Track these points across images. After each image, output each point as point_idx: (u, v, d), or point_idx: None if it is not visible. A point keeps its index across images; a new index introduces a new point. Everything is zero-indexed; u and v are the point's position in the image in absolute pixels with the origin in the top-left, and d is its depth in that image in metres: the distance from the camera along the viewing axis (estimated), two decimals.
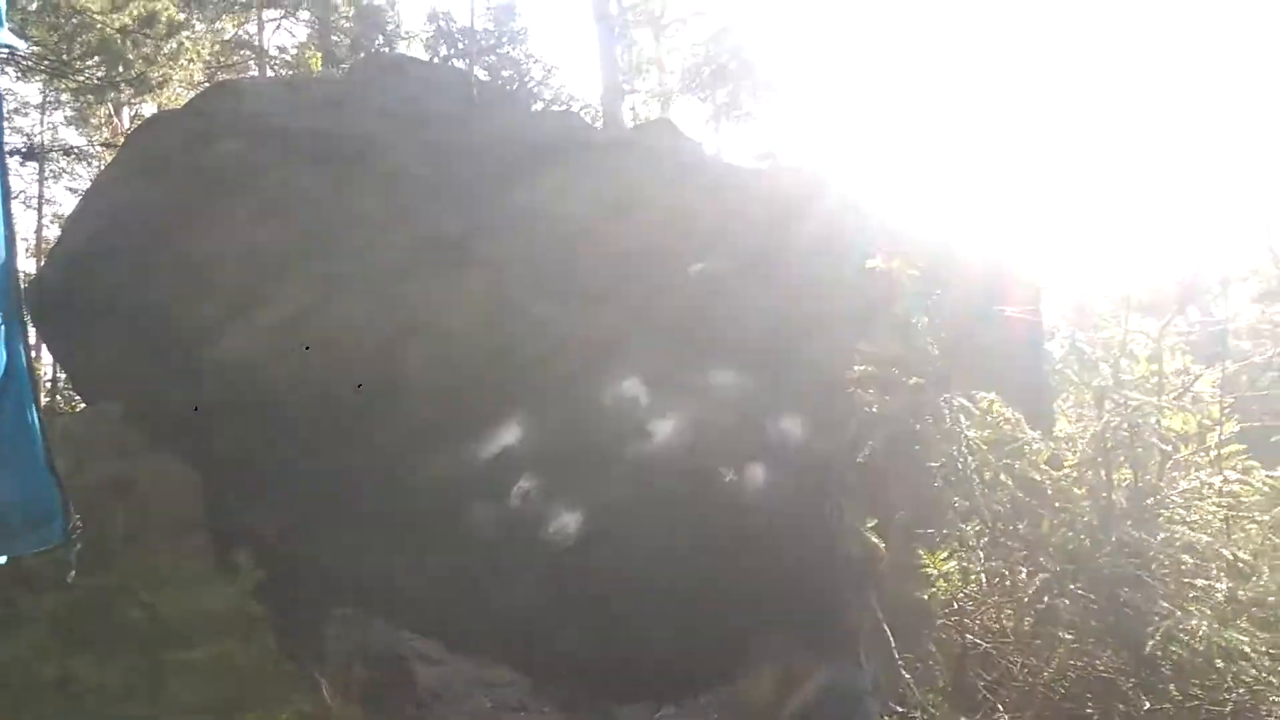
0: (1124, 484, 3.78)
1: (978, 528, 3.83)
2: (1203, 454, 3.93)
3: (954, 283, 5.77)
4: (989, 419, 4.01)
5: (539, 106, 18.72)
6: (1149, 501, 3.67)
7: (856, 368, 4.35)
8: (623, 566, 5.18)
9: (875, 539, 3.98)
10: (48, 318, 7.63)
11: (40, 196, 19.68)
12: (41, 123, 19.46)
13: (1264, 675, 2.91)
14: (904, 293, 4.39)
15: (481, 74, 17.39)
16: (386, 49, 19.07)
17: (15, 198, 17.86)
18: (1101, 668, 3.26)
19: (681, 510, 5.04)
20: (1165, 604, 3.20)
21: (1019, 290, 5.95)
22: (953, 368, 4.30)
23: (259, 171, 7.12)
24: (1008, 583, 3.67)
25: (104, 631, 5.09)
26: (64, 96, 17.77)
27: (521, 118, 8.46)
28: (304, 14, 20.04)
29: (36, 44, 12.85)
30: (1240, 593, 3.16)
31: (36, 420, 3.04)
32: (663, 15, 21.35)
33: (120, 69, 13.66)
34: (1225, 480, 3.69)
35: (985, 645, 3.49)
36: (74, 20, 13.07)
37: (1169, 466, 3.85)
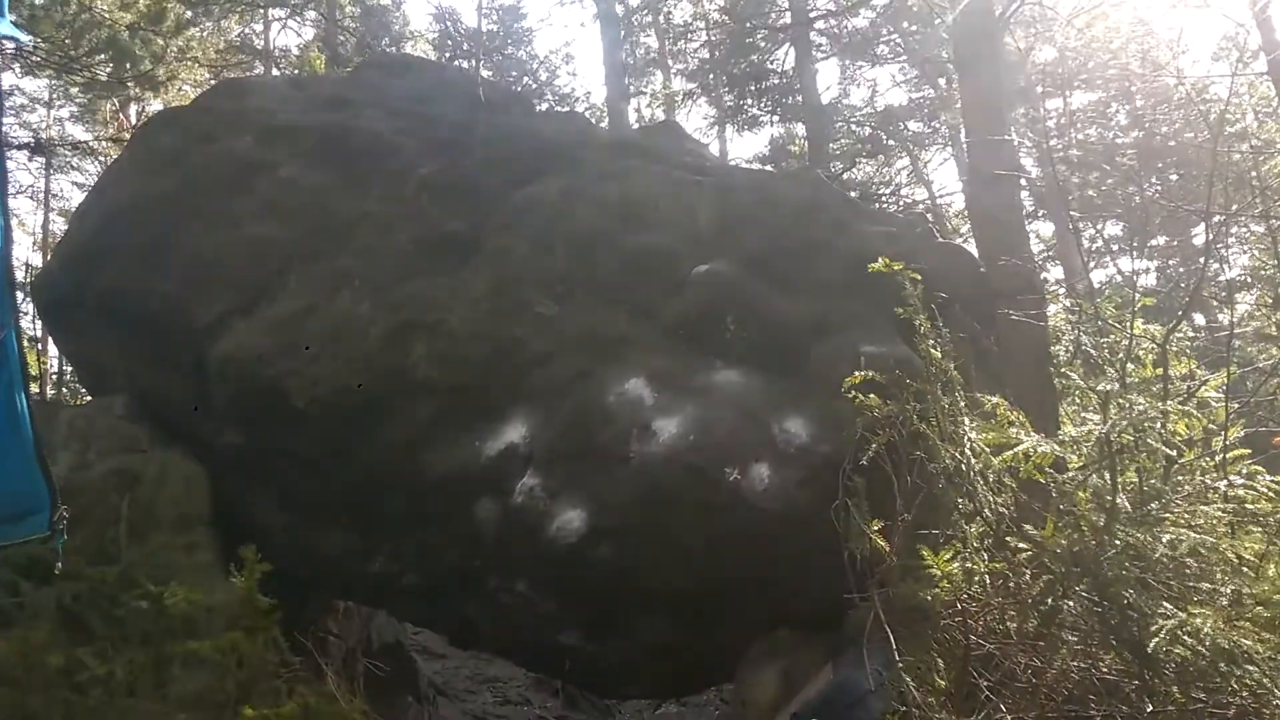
0: (1129, 487, 3.80)
1: (981, 529, 3.85)
2: (1208, 458, 3.95)
3: (960, 285, 5.80)
4: (993, 422, 4.03)
5: (544, 107, 18.77)
6: (1154, 505, 3.69)
7: (861, 370, 4.37)
8: (626, 564, 5.19)
9: (879, 540, 4.00)
10: (53, 312, 7.66)
11: (47, 191, 19.78)
12: (49, 118, 19.56)
13: (1267, 678, 2.92)
14: (908, 295, 4.41)
15: (487, 74, 17.45)
16: (392, 49, 19.14)
17: (23, 192, 17.99)
18: (1105, 670, 3.28)
19: (685, 509, 5.05)
20: (1169, 606, 3.22)
21: (1025, 292, 5.96)
22: (958, 370, 4.32)
23: (264, 169, 7.14)
24: (1011, 584, 3.68)
25: (109, 623, 5.11)
26: (72, 92, 17.83)
27: (527, 118, 8.47)
28: (310, 14, 20.09)
29: (44, 39, 12.87)
30: (1244, 596, 3.18)
31: (26, 410, 3.03)
32: (669, 17, 21.38)
33: (128, 66, 13.70)
34: (1230, 485, 3.70)
35: (988, 646, 3.50)
36: (82, 16, 13.09)
37: (1174, 470, 3.87)
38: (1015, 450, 3.76)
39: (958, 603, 3.59)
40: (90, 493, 5.91)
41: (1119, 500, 3.61)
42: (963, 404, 4.08)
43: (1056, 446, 3.77)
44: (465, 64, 18.75)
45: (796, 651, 4.97)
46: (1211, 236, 4.46)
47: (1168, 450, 3.81)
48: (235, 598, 5.03)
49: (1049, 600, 3.54)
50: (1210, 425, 4.02)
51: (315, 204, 6.93)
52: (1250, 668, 2.92)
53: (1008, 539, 3.70)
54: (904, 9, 17.26)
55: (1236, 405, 4.26)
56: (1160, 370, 4.19)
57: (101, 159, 16.58)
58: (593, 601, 5.50)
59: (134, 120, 17.69)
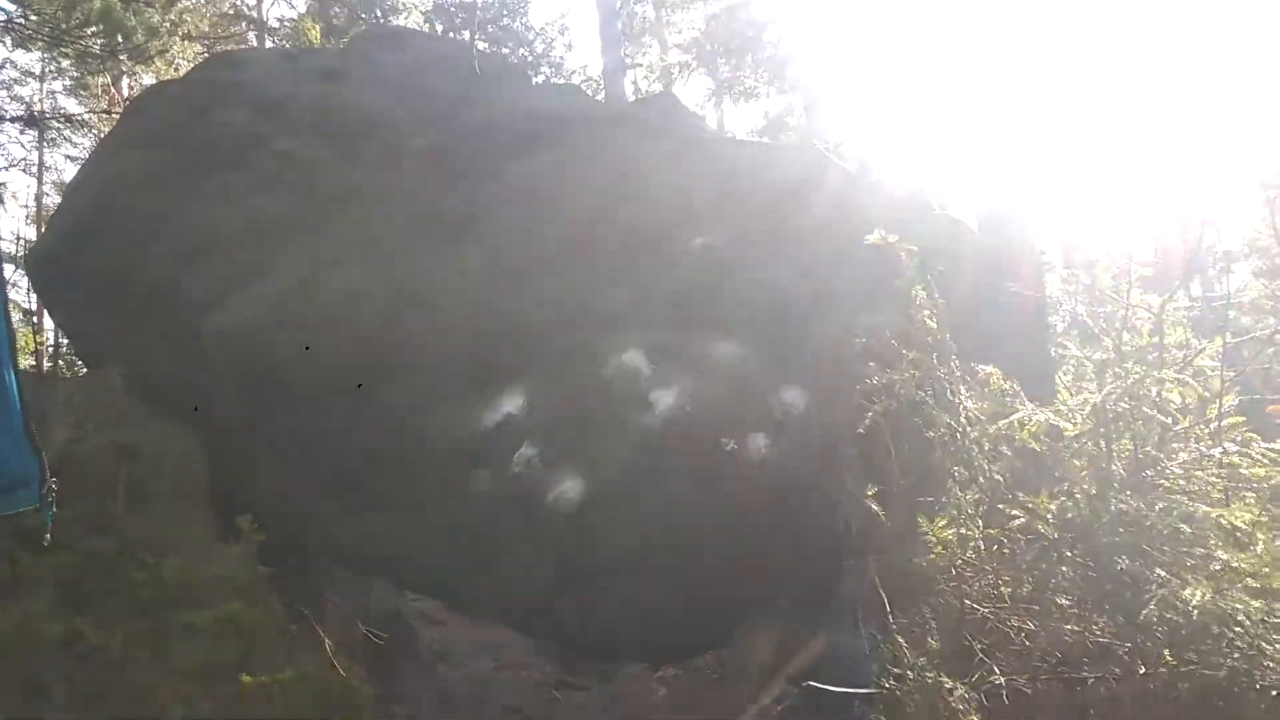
0: (1124, 455, 3.82)
1: (977, 496, 3.87)
2: (1203, 426, 3.97)
3: (958, 257, 5.80)
4: (988, 391, 4.04)
5: (540, 79, 18.66)
6: (1148, 472, 3.71)
7: (859, 341, 4.37)
8: (623, 534, 5.21)
9: (875, 507, 4.02)
10: (49, 286, 7.65)
11: (40, 164, 19.66)
12: (41, 91, 19.41)
13: (1258, 641, 2.95)
14: (905, 267, 4.40)
15: (482, 46, 17.32)
16: (386, 21, 18.97)
17: (15, 165, 17.86)
18: (1098, 633, 3.31)
19: (682, 479, 5.07)
20: (1162, 572, 3.24)
21: (1023, 264, 5.97)
22: (955, 341, 4.33)
23: (258, 143, 7.10)
24: (1006, 550, 3.71)
25: (109, 594, 5.14)
26: (64, 65, 17.69)
27: (522, 91, 8.43)
28: None
29: (35, 11, 12.75)
30: (1236, 562, 3.20)
31: (15, 383, 3.04)
32: None
33: (120, 39, 13.59)
34: (1225, 452, 3.72)
35: (983, 611, 3.54)
36: None
37: (1169, 438, 3.89)
38: (1011, 419, 3.78)
39: (952, 568, 3.62)
40: (88, 465, 5.92)
41: (1114, 467, 3.63)
42: (959, 373, 4.09)
43: (1052, 415, 3.79)
44: (460, 36, 18.60)
45: (793, 617, 5.01)
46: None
47: (1163, 418, 3.82)
48: (233, 568, 5.06)
49: (1042, 566, 3.57)
50: (1205, 393, 4.03)
51: (309, 178, 6.91)
52: (1239, 628, 2.95)
53: (1000, 506, 3.73)
54: None
55: (1232, 374, 4.26)
56: (1156, 339, 4.20)
57: (95, 132, 16.48)
58: (590, 569, 5.53)
59: (126, 93, 17.56)
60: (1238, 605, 2.96)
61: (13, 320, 3.16)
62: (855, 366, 4.30)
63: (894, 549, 3.96)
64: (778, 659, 4.84)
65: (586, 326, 5.82)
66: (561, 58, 22.12)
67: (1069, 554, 3.50)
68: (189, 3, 16.61)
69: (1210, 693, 2.97)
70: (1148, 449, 3.86)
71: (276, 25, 20.60)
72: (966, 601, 3.52)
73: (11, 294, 17.34)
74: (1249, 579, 3.18)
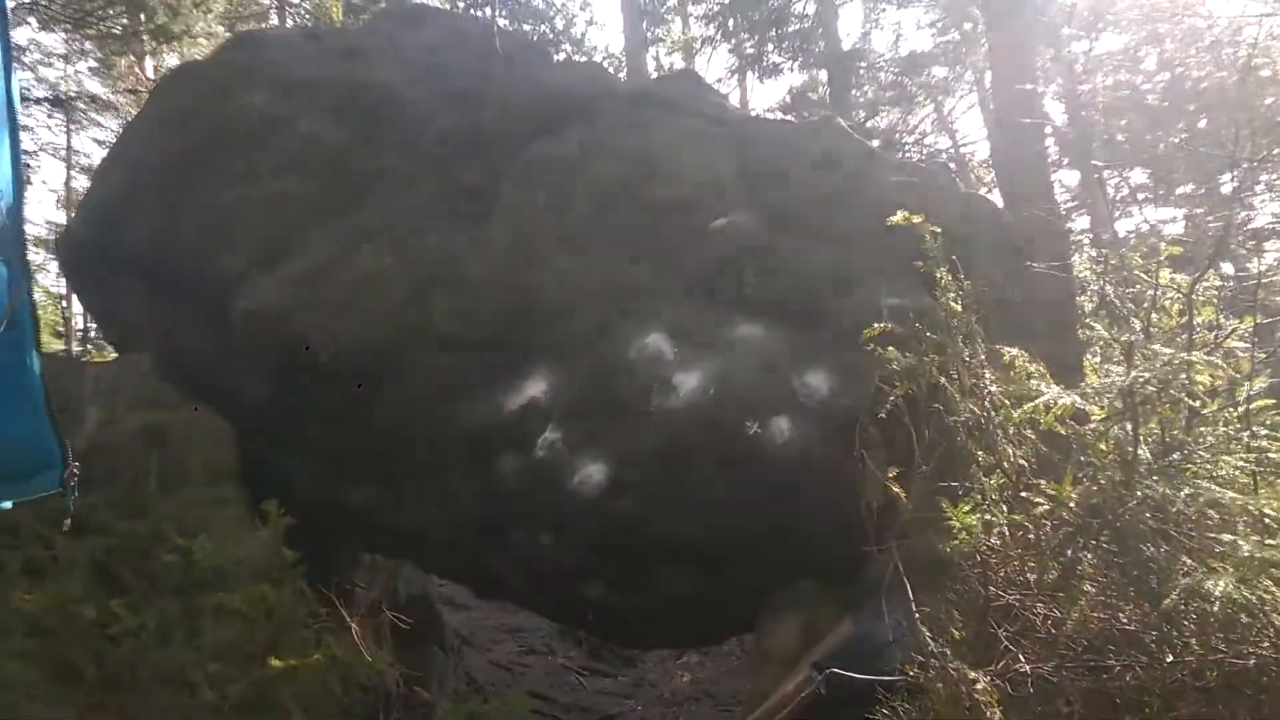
0: (1151, 439, 3.77)
1: (1001, 481, 3.84)
2: (1232, 409, 3.91)
3: (983, 235, 5.74)
4: (1013, 374, 4.00)
5: (561, 57, 18.56)
6: (1175, 457, 3.66)
7: (882, 322, 4.34)
8: (646, 517, 5.23)
9: (898, 492, 4.00)
10: (78, 269, 7.72)
11: (69, 148, 19.81)
12: (67, 72, 19.53)
13: None
14: (929, 247, 4.36)
15: (503, 23, 17.24)
16: None
17: (45, 149, 18.00)
18: (1125, 620, 3.28)
19: (705, 462, 5.08)
20: (1188, 560, 3.21)
21: (1049, 243, 5.89)
22: (980, 322, 4.29)
23: (282, 124, 7.11)
24: (1031, 536, 3.69)
25: (141, 576, 5.22)
26: (88, 46, 17.77)
27: (544, 68, 8.37)
28: None
29: None
30: (1262, 552, 3.16)
31: (37, 366, 3.05)
32: None
33: (143, 19, 13.63)
34: (1254, 435, 3.67)
35: (1008, 597, 3.52)
36: None
37: (1197, 422, 3.84)
38: (1037, 402, 3.74)
39: (977, 554, 3.60)
40: (120, 449, 6.01)
41: (1140, 451, 3.59)
42: (984, 356, 4.05)
43: (1078, 398, 3.74)
44: (481, 13, 18.52)
45: (817, 602, 5.02)
46: (1239, 183, 4.37)
47: (1191, 401, 3.78)
48: (264, 550, 5.12)
49: (1068, 552, 3.54)
50: (1235, 375, 3.98)
51: (333, 158, 6.91)
52: (1274, 616, 2.92)
53: (1023, 494, 3.70)
54: None
55: (1263, 355, 4.20)
56: (1185, 319, 4.14)
57: (121, 114, 16.57)
58: (614, 553, 5.56)
59: (151, 74, 17.63)
60: (1265, 595, 2.93)
61: (36, 303, 3.17)
62: (879, 349, 4.27)
63: (918, 534, 3.95)
64: (801, 645, 4.85)
65: (609, 307, 5.81)
66: (583, 34, 22.03)
67: (1094, 541, 3.46)
68: None
69: (1239, 682, 2.95)
70: (1175, 433, 3.81)
71: (298, 2, 20.60)
72: (991, 588, 3.50)
73: (41, 278, 17.58)
74: (1275, 569, 3.14)
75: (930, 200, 5.60)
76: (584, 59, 19.14)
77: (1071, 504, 3.55)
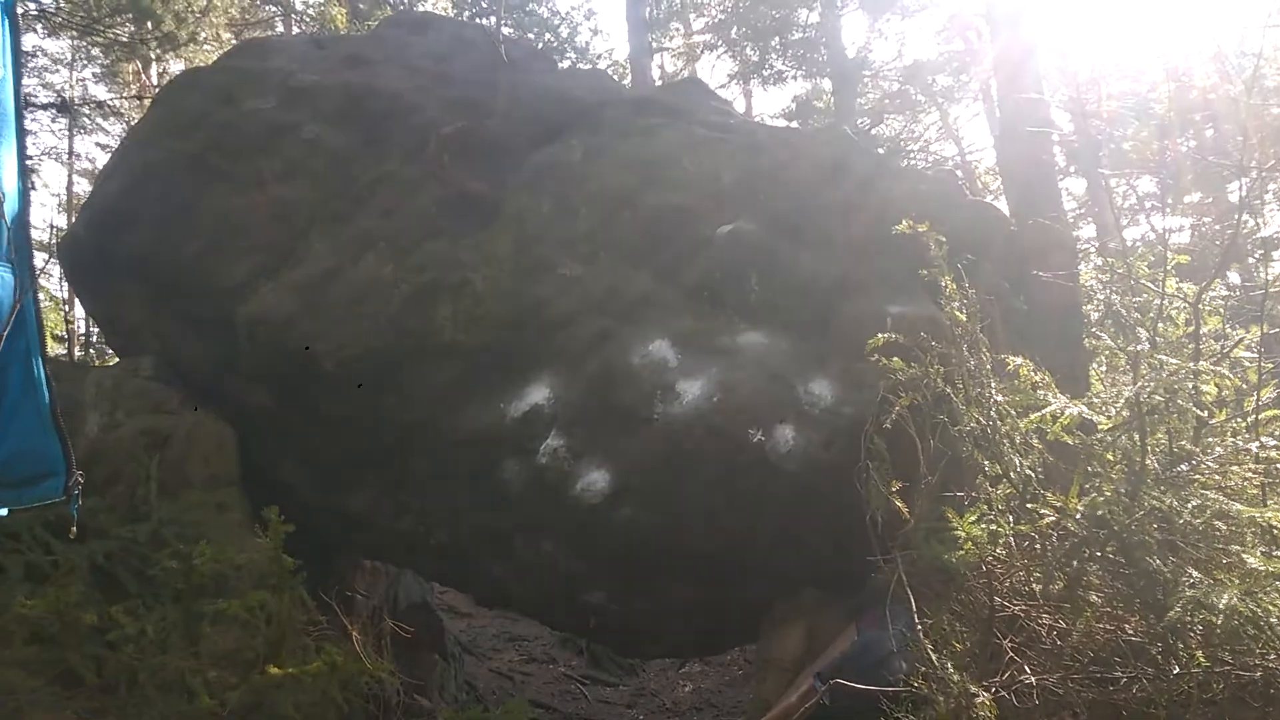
0: (1158, 449, 3.75)
1: (1007, 491, 3.82)
2: (1240, 419, 3.89)
3: (988, 244, 5.72)
4: (1019, 383, 3.98)
5: (566, 64, 18.60)
6: (1183, 467, 3.64)
7: (888, 330, 4.32)
8: (650, 525, 5.21)
9: (901, 503, 3.98)
10: (80, 273, 7.72)
11: (71, 152, 19.89)
12: (71, 78, 19.61)
13: None
14: (935, 256, 4.34)
15: (507, 31, 17.28)
16: (412, 5, 18.98)
17: (48, 154, 18.05)
18: (1130, 632, 3.26)
19: (709, 470, 5.05)
20: (1195, 572, 3.18)
21: (1056, 251, 5.87)
22: (985, 331, 4.27)
23: (287, 130, 7.12)
24: (1037, 547, 3.66)
25: (141, 581, 5.21)
26: (93, 53, 17.84)
27: (549, 76, 8.38)
28: None
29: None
30: (1269, 565, 3.13)
31: (44, 373, 3.03)
32: None
33: (149, 26, 13.67)
34: (1262, 446, 3.65)
35: (1013, 608, 3.49)
36: None
37: (1204, 432, 3.82)
38: (1043, 412, 3.72)
39: (982, 565, 3.58)
40: (120, 453, 6.00)
41: (1147, 462, 3.56)
42: (989, 365, 4.03)
43: (1085, 408, 3.72)
44: (485, 21, 18.58)
45: (820, 612, 4.99)
46: (1246, 192, 4.34)
47: (1198, 411, 3.75)
48: (264, 556, 5.10)
49: (1074, 563, 3.51)
50: (1243, 385, 3.95)
51: (338, 165, 6.92)
52: (1273, 631, 2.89)
53: (1029, 505, 3.67)
54: None
55: (1270, 365, 4.18)
56: (1192, 329, 4.12)
57: (125, 120, 16.62)
58: (617, 561, 5.54)
59: (156, 81, 17.69)
60: (1271, 608, 2.90)
61: (42, 309, 3.15)
62: (883, 357, 4.25)
63: (922, 544, 3.93)
64: (805, 655, 4.82)
65: (613, 314, 5.80)
66: (587, 42, 22.09)
67: (1101, 552, 3.44)
68: None
69: (1246, 694, 2.92)
70: (1183, 443, 3.79)
71: (303, 8, 20.67)
72: (996, 599, 3.48)
73: (44, 281, 17.59)
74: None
75: (937, 208, 5.58)
76: (588, 66, 19.16)
77: (1078, 515, 3.52)
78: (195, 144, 7.05)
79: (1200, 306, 4.11)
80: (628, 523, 5.21)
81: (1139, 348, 3.99)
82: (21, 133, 3.05)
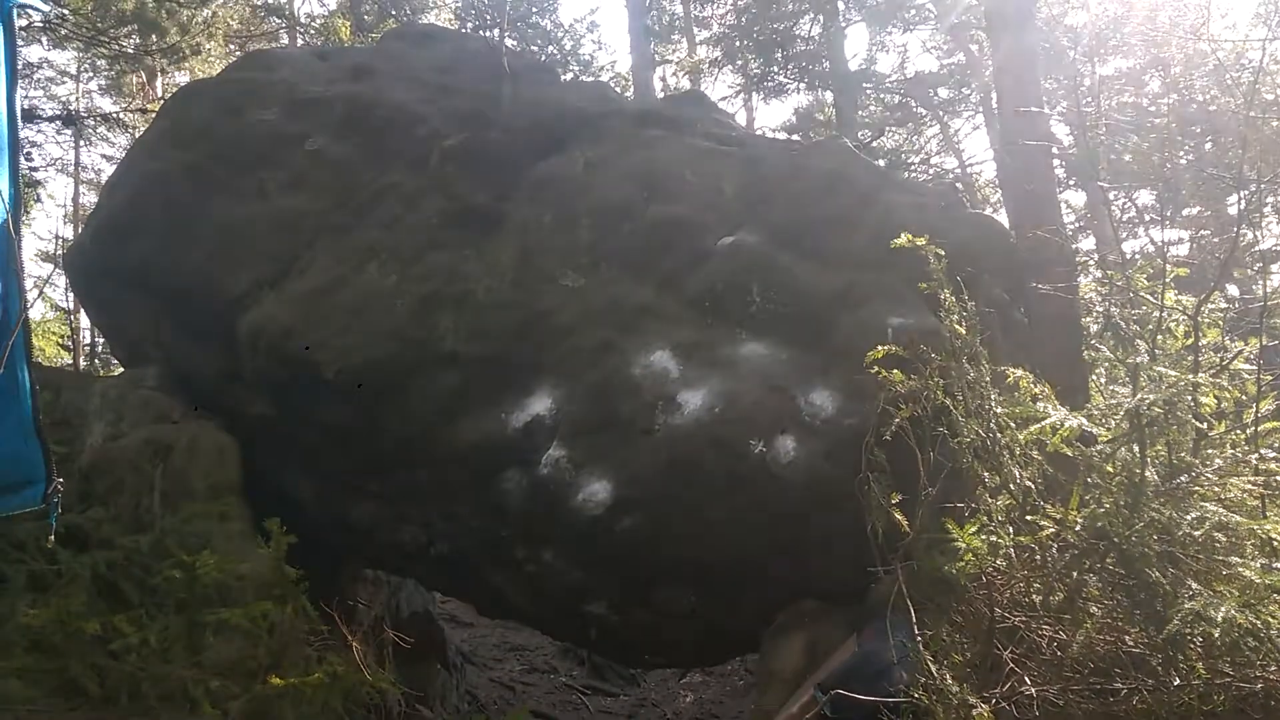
0: (1157, 461, 3.76)
1: (1007, 503, 3.84)
2: (1239, 431, 3.91)
3: (988, 256, 5.74)
4: (1019, 395, 4.00)
5: (569, 76, 18.66)
6: (1182, 479, 3.65)
7: (888, 342, 4.34)
8: (651, 535, 5.22)
9: (901, 515, 4.00)
10: (85, 284, 7.77)
11: (76, 164, 19.97)
12: (77, 90, 19.70)
13: None
14: (935, 268, 4.37)
15: (511, 43, 17.35)
16: (416, 17, 19.07)
17: (53, 165, 18.12)
18: (1131, 643, 3.26)
19: (710, 481, 5.07)
20: (1194, 584, 3.19)
21: (1055, 264, 5.89)
22: (985, 343, 4.29)
23: (291, 141, 7.17)
24: (1037, 558, 3.67)
25: (144, 591, 5.22)
26: (99, 64, 17.94)
27: (551, 88, 8.42)
28: None
29: (72, 11, 12.94)
30: (1268, 577, 3.14)
31: (28, 381, 3.02)
32: None
33: (154, 38, 13.76)
34: (1261, 458, 3.66)
35: (1013, 619, 3.50)
36: None
37: (1204, 444, 3.83)
38: (1043, 424, 3.73)
39: (983, 576, 3.59)
40: (124, 463, 6.02)
41: (1147, 474, 3.58)
42: (989, 377, 4.04)
43: (1084, 420, 3.74)
44: (489, 33, 18.65)
45: (821, 623, 4.99)
46: (1245, 205, 4.37)
47: (1198, 423, 3.77)
48: (266, 566, 5.12)
49: (1074, 574, 3.53)
50: (1242, 397, 3.97)
51: (341, 176, 6.96)
52: (1272, 644, 2.90)
53: (1029, 516, 3.69)
54: None
55: (1269, 377, 4.20)
56: (1191, 342, 4.14)
57: (130, 131, 16.70)
58: (618, 572, 5.54)
59: (161, 93, 17.77)
60: (1270, 620, 2.91)
61: (29, 316, 3.15)
62: (883, 369, 4.27)
63: (923, 556, 3.94)
64: (806, 665, 4.82)
65: (615, 325, 5.81)
66: (590, 55, 22.16)
67: (1101, 563, 3.45)
68: (221, 1, 16.76)
69: (1247, 706, 2.93)
70: (1182, 455, 3.81)
71: (307, 21, 20.76)
72: (997, 610, 3.48)
73: (49, 292, 17.64)
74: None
75: (937, 220, 5.61)
76: (591, 79, 19.23)
77: (1078, 526, 3.54)
78: (199, 155, 7.10)
79: (1199, 319, 4.14)
80: (629, 533, 5.22)
81: (1138, 360, 4.01)
82: (17, 142, 3.06)
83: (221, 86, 7.96)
